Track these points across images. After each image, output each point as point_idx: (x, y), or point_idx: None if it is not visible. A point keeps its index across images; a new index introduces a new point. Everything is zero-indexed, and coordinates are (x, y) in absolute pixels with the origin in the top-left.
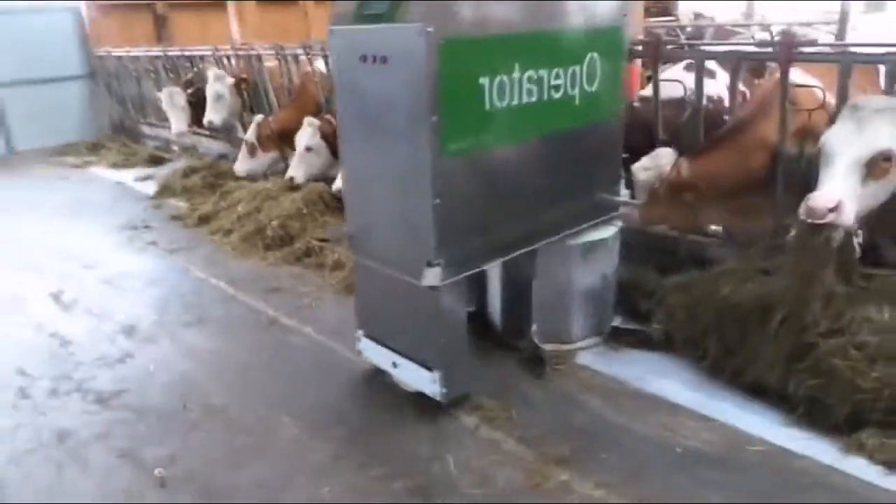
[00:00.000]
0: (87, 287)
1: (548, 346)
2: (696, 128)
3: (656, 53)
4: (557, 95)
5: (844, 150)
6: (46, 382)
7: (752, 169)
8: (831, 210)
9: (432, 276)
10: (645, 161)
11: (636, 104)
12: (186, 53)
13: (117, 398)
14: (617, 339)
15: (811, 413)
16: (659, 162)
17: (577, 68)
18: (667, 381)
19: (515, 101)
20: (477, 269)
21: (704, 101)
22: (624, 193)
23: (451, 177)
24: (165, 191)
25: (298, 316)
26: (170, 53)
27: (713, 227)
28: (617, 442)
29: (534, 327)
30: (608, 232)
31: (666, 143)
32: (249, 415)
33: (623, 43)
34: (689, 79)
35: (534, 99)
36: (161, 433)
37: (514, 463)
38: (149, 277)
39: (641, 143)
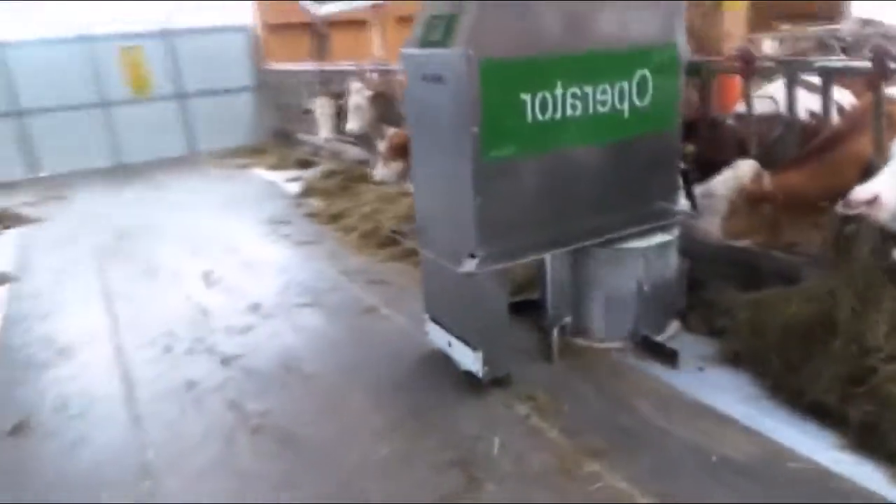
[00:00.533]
0: (230, 269)
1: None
2: (789, 144)
3: (748, 69)
4: (604, 110)
5: None
6: (186, 343)
7: (842, 185)
8: (868, 202)
9: (469, 265)
10: (725, 174)
11: (729, 121)
12: (335, 68)
13: (235, 360)
14: (642, 347)
15: (865, 438)
16: (738, 174)
17: (626, 84)
18: (724, 394)
19: (559, 115)
20: (514, 262)
21: (807, 117)
22: (683, 204)
23: (492, 179)
24: (307, 191)
25: (393, 305)
26: (322, 69)
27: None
28: (655, 443)
29: (567, 319)
30: (647, 242)
31: (756, 159)
32: (332, 382)
33: (676, 61)
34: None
35: (578, 113)
36: (262, 391)
37: (552, 450)
38: (279, 264)
39: (734, 160)
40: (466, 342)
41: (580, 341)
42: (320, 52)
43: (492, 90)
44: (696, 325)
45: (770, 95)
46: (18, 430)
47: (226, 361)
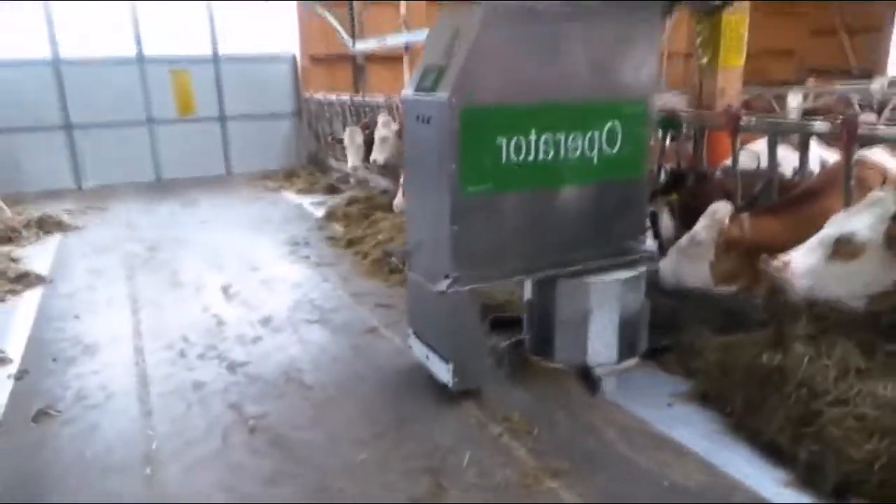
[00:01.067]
0: (249, 284)
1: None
2: (770, 198)
3: (733, 125)
4: (575, 155)
5: (826, 225)
6: (199, 349)
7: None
8: (783, 268)
9: (442, 284)
10: (704, 219)
11: (718, 174)
12: (366, 101)
13: (242, 367)
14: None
15: (809, 476)
16: (716, 217)
17: (596, 133)
18: (688, 428)
19: (531, 158)
20: (486, 284)
21: (790, 174)
22: (650, 244)
23: (468, 211)
24: (330, 216)
25: (394, 327)
26: (354, 99)
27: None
28: (614, 467)
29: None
30: (611, 276)
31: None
32: (327, 393)
33: (646, 115)
34: (783, 152)
35: (550, 157)
36: (262, 396)
37: (517, 467)
38: (294, 282)
39: None
40: (441, 355)
41: (542, 361)
42: (357, 84)
43: (470, 132)
44: (672, 365)
45: (755, 151)
46: (41, 416)
47: (232, 367)
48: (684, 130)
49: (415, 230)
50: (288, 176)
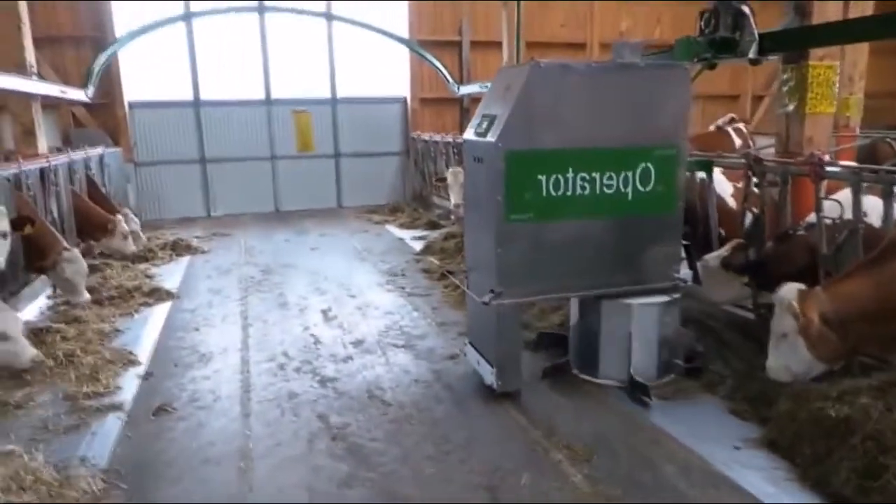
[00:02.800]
0: (346, 309)
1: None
2: (853, 249)
3: (816, 173)
4: (610, 192)
5: None
6: (296, 363)
7: None
8: None
9: (487, 297)
10: (775, 315)
11: (801, 231)
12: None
13: (331, 382)
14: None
15: None
16: (784, 308)
17: (629, 173)
18: (751, 472)
19: (569, 192)
20: (528, 300)
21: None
22: (686, 273)
23: (511, 237)
24: (427, 249)
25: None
26: (458, 140)
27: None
28: (665, 499)
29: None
30: (647, 300)
31: (823, 265)
32: (405, 412)
33: (677, 158)
34: (869, 201)
35: (586, 192)
36: (346, 409)
37: (572, 490)
38: (387, 310)
39: (805, 267)
40: (488, 360)
41: (586, 377)
42: (463, 125)
43: (514, 171)
44: (744, 411)
45: (840, 200)
46: (159, 412)
47: (323, 382)
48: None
49: (471, 253)
50: (393, 211)
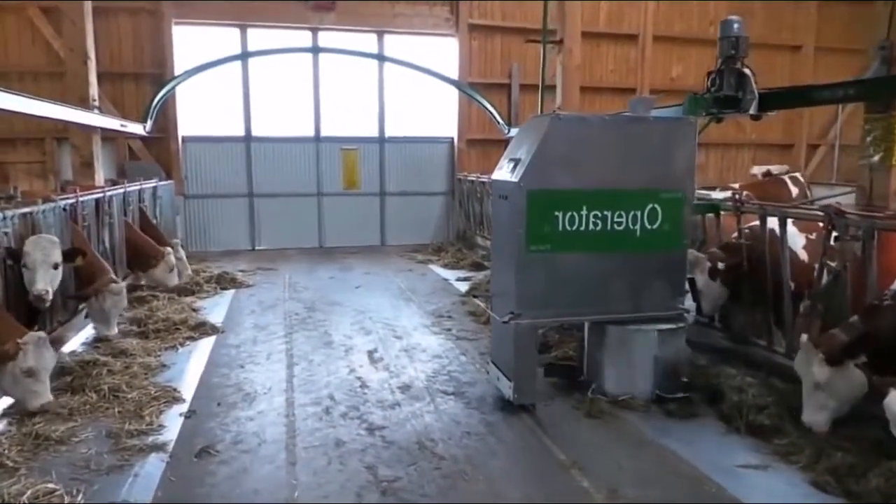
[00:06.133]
0: (392, 351)
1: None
2: None
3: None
4: (620, 229)
5: None
6: (342, 408)
7: None
8: None
9: (506, 317)
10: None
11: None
12: None
13: (379, 430)
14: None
15: None
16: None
17: (638, 212)
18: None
19: (583, 228)
20: (543, 321)
21: None
22: (689, 306)
23: (529, 265)
24: (473, 290)
25: (528, 408)
26: None
27: None
28: None
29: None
30: (654, 327)
31: None
32: (457, 467)
33: (683, 201)
34: None
35: (598, 228)
36: (395, 461)
37: None
38: (434, 353)
39: None
40: (507, 376)
41: (600, 398)
42: None
43: (534, 207)
44: (828, 484)
45: None
46: (202, 454)
47: (371, 430)
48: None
49: (495, 280)
50: (437, 250)
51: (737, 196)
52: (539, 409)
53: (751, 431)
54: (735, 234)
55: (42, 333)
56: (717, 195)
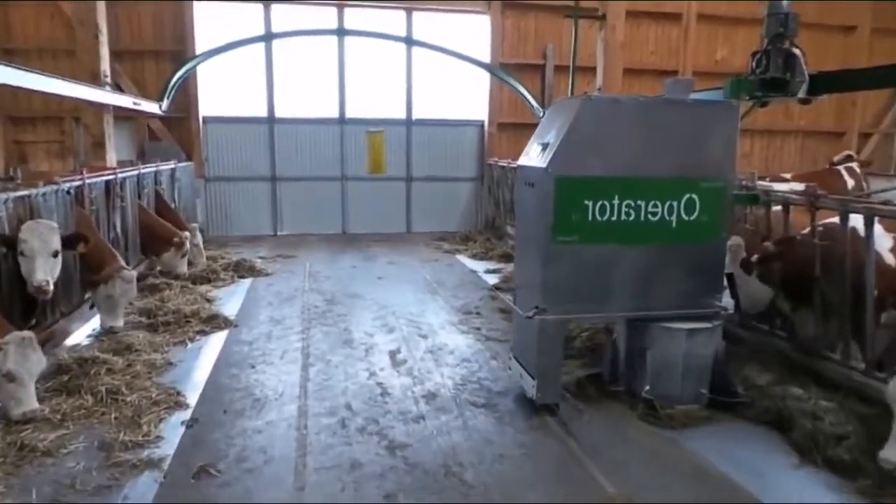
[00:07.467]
0: (417, 352)
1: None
2: None
3: None
4: (654, 220)
5: None
6: (360, 420)
7: None
8: None
9: (530, 311)
10: None
11: None
12: None
13: (401, 450)
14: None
15: None
16: None
17: (674, 202)
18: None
19: (614, 218)
20: (569, 317)
21: None
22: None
23: (557, 257)
24: (503, 284)
25: (568, 424)
26: None
27: None
28: None
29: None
30: (688, 325)
31: None
32: (487, 497)
33: (724, 190)
34: None
35: (631, 219)
36: (419, 488)
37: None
38: (462, 356)
39: None
40: (530, 374)
41: (645, 409)
42: None
43: (562, 195)
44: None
45: None
46: (201, 473)
47: (391, 449)
48: None
49: (519, 271)
50: (464, 239)
51: (810, 189)
52: (580, 426)
53: (828, 464)
54: (806, 231)
55: (29, 333)
56: (781, 187)
